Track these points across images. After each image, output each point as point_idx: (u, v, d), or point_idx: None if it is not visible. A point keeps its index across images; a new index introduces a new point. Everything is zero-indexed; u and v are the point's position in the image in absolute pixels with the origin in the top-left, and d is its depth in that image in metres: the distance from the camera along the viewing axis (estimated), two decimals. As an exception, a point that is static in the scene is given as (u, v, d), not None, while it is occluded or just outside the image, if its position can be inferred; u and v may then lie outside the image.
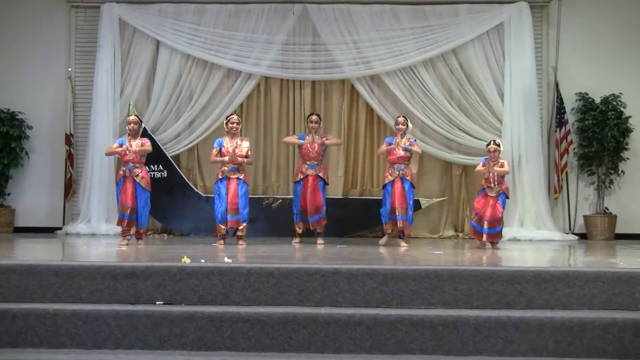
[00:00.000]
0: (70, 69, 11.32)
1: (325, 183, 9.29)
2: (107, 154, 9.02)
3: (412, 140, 9.01)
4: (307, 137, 9.29)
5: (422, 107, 10.92)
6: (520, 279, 5.36)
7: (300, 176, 9.25)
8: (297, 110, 11.20)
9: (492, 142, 8.65)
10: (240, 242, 8.65)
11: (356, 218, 10.11)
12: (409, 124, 9.10)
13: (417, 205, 10.41)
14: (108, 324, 5.05)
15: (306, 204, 9.15)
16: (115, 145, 8.76)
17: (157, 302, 5.31)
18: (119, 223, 8.66)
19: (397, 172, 8.86)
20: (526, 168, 10.68)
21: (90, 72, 11.08)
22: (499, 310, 5.21)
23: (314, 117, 9.36)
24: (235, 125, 8.94)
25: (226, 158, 8.74)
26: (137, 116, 9.11)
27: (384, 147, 9.01)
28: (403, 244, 8.71)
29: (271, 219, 10.25)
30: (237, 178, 8.83)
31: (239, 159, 8.74)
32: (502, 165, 8.57)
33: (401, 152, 8.85)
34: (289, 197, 10.29)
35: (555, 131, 11.02)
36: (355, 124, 11.25)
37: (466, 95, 10.93)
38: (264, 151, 11.23)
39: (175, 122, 11.08)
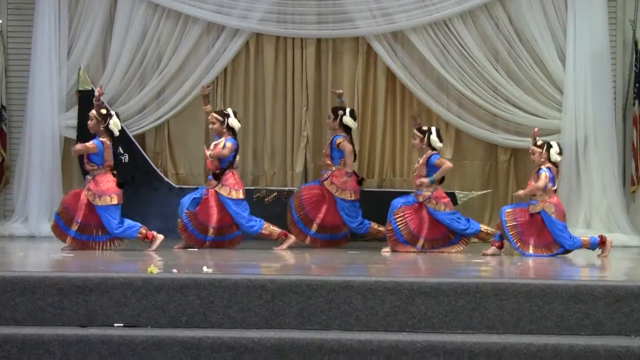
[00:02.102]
0: (0, 22, 11.31)
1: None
2: (76, 151, 8.92)
3: (432, 154, 9.05)
4: None
5: (459, 73, 10.89)
6: (587, 297, 5.36)
7: None
8: (297, 77, 11.16)
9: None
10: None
11: (373, 216, 10.09)
12: (432, 137, 9.04)
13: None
14: (52, 352, 5.05)
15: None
16: (91, 144, 8.61)
17: (116, 325, 5.32)
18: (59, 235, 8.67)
19: (419, 197, 8.95)
20: (595, 153, 10.65)
21: (28, 26, 11.07)
22: (559, 337, 5.21)
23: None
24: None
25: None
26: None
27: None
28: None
29: (263, 217, 10.23)
30: (216, 191, 8.89)
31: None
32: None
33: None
34: (286, 189, 10.31)
35: (634, 104, 10.99)
36: (372, 94, 11.22)
37: (516, 57, 10.89)
38: (254, 130, 11.21)
39: (140, 92, 11.07)
